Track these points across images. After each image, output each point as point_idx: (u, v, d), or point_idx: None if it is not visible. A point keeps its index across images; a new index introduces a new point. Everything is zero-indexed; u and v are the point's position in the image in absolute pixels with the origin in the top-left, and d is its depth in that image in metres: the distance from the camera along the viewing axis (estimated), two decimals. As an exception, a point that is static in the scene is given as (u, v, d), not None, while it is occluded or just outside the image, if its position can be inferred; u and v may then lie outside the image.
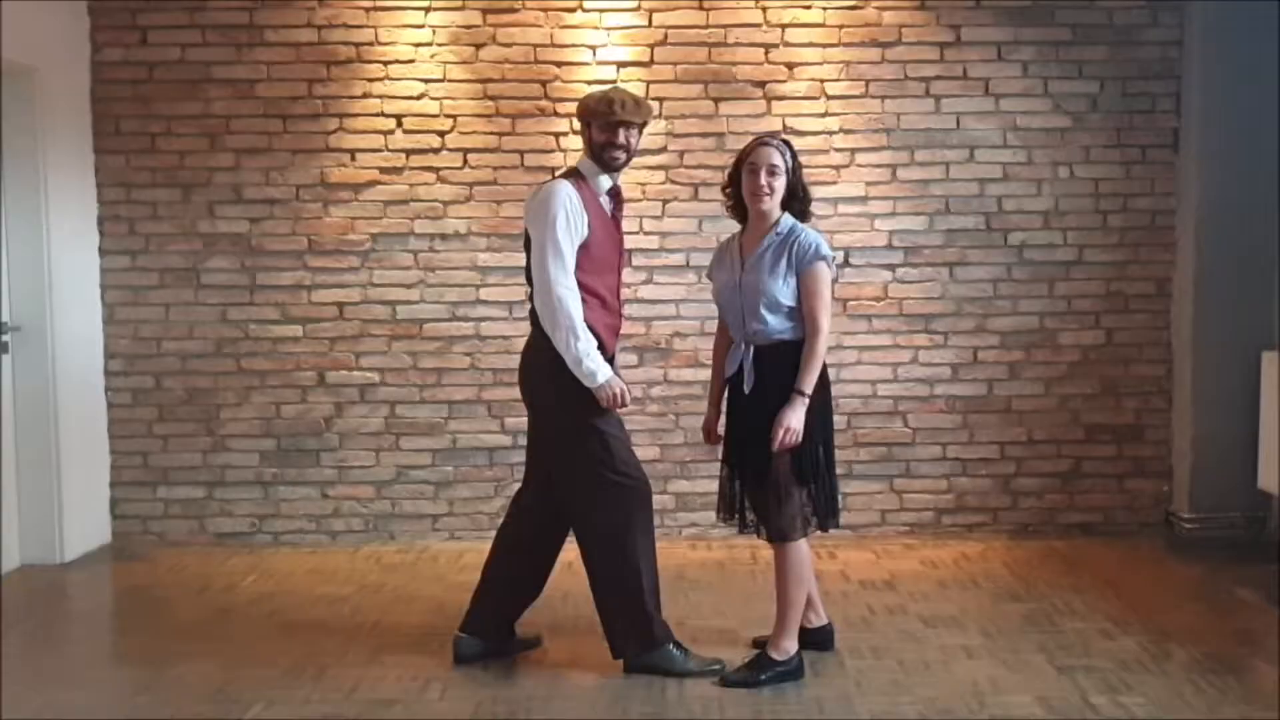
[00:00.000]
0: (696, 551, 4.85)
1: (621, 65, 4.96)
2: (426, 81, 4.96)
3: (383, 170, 4.99)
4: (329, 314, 5.02)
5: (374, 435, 5.05)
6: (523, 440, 3.69)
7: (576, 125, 3.61)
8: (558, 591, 3.89)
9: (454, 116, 4.98)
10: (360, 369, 5.04)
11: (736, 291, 3.37)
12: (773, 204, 3.35)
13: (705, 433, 3.64)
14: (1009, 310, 5.03)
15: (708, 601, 4.15)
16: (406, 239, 5.01)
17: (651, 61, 4.96)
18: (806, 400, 3.25)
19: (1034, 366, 5.04)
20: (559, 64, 4.95)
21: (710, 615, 3.98)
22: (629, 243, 4.71)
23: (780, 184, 3.33)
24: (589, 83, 4.76)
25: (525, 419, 3.62)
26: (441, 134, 4.98)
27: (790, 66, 4.97)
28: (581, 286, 3.34)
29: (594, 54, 4.95)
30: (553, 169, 4.70)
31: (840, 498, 3.51)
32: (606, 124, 3.39)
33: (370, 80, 4.96)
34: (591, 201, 3.41)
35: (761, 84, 4.97)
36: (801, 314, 3.30)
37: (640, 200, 4.96)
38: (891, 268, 5.02)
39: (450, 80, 4.97)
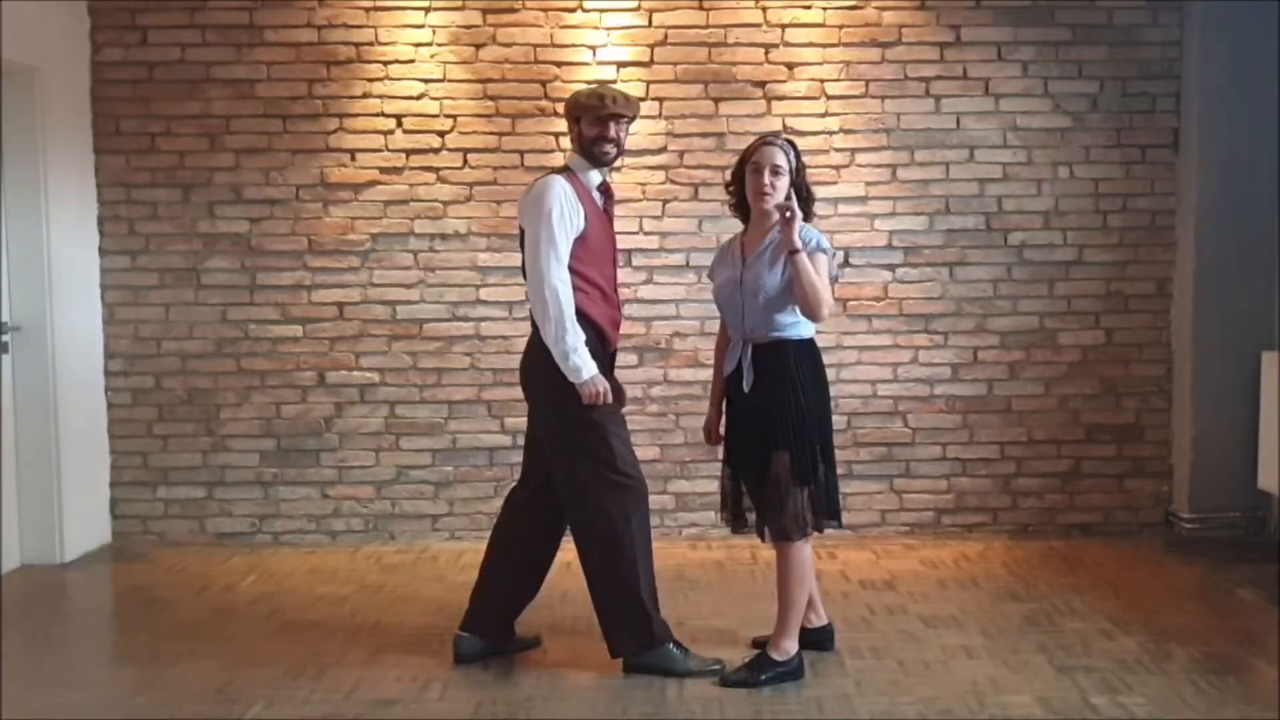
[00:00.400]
0: (696, 551, 4.85)
1: (621, 65, 4.96)
2: (426, 81, 4.96)
3: (383, 170, 4.99)
4: (329, 314, 5.02)
5: (374, 435, 5.05)
6: (522, 440, 3.68)
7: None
8: (557, 591, 3.89)
9: (454, 116, 4.98)
10: (360, 369, 5.04)
11: (737, 288, 3.37)
12: (775, 203, 3.35)
13: (706, 433, 3.63)
14: (1009, 310, 5.03)
15: (708, 601, 4.15)
16: (406, 239, 5.01)
17: (651, 61, 4.96)
18: (800, 251, 3.21)
19: (1034, 366, 5.04)
20: (559, 64, 4.95)
21: (710, 615, 3.98)
22: (627, 242, 4.74)
23: (783, 184, 3.33)
24: (589, 83, 4.75)
25: (525, 419, 3.62)
26: (441, 134, 4.98)
27: (790, 66, 4.97)
28: (582, 277, 3.34)
29: (594, 54, 4.96)
30: (552, 169, 4.69)
31: (840, 498, 3.50)
32: (597, 118, 3.40)
33: (370, 80, 4.96)
34: (585, 196, 3.42)
35: (761, 84, 4.97)
36: (800, 313, 3.30)
37: (640, 200, 4.96)
38: (891, 268, 5.02)
39: (450, 80, 4.97)
